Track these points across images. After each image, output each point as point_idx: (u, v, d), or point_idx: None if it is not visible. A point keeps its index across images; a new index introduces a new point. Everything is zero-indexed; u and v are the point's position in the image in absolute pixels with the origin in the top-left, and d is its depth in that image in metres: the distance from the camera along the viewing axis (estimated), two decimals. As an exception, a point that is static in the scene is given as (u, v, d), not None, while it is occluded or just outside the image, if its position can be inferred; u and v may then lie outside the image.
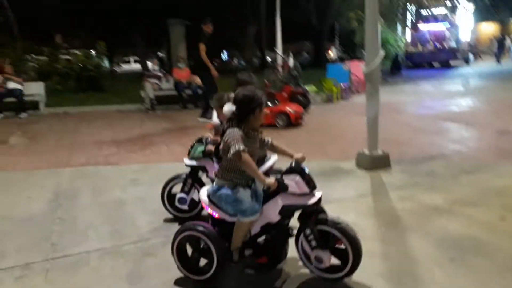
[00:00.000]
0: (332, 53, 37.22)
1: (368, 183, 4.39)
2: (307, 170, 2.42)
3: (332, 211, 3.45)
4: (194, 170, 3.48)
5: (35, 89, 11.18)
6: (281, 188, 2.32)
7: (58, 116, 10.37)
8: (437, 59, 23.10)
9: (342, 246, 2.36)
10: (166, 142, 6.64)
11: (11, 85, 10.57)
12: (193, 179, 3.48)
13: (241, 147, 2.25)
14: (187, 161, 3.47)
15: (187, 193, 3.44)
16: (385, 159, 4.82)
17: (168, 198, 3.54)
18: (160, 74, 11.40)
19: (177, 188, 3.54)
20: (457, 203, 3.67)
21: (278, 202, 2.35)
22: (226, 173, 2.40)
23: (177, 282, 2.57)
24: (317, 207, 2.42)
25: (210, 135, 3.53)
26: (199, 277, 2.51)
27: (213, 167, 3.16)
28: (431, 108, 9.10)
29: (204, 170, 3.44)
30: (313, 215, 2.40)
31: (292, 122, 7.51)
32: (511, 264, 2.63)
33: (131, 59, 36.13)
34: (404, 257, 2.80)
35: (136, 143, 6.66)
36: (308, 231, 2.38)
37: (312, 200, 2.36)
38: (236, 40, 24.84)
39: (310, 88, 11.05)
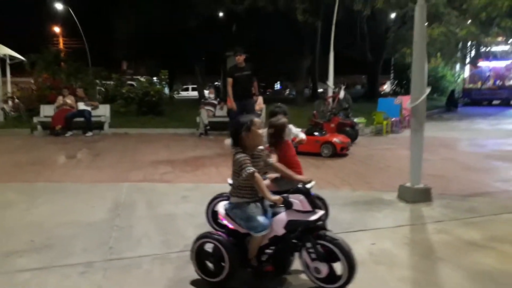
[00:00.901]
0: (386, 87, 36.95)
1: (408, 214, 4.47)
2: (311, 192, 2.76)
3: (368, 239, 3.68)
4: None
5: (101, 111, 12.21)
6: (286, 205, 2.67)
7: (120, 136, 11.22)
8: (497, 97, 22.33)
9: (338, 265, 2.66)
10: (216, 164, 7.05)
11: (82, 106, 11.64)
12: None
13: (251, 169, 2.66)
14: (229, 180, 3.79)
15: None
16: (426, 193, 4.87)
17: (212, 214, 3.85)
18: (215, 102, 12.04)
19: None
20: (495, 239, 3.68)
21: (283, 217, 2.70)
22: (238, 191, 2.79)
23: (195, 283, 2.91)
24: (319, 224, 2.75)
25: None
26: (213, 279, 2.84)
27: None
28: (483, 146, 8.90)
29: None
30: (314, 231, 2.71)
31: (337, 152, 7.68)
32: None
33: (190, 87, 37.95)
34: (434, 284, 2.90)
35: (189, 164, 7.13)
36: (309, 245, 2.68)
37: (314, 217, 2.70)
38: (290, 71, 25.45)
39: (359, 120, 11.18)
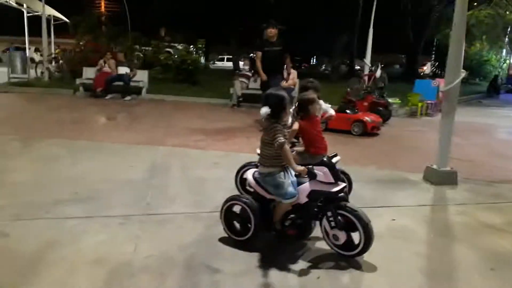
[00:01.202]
0: (426, 69, 35.81)
1: (431, 195, 4.57)
2: (332, 164, 2.91)
3: (389, 215, 3.84)
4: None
5: (140, 76, 12.58)
6: (310, 175, 2.85)
7: (156, 102, 11.59)
8: (544, 85, 21.34)
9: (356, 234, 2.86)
10: (246, 135, 7.27)
11: (121, 70, 12.04)
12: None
13: (282, 139, 2.82)
14: (258, 150, 3.99)
15: None
16: (452, 176, 4.93)
17: (241, 181, 4.08)
18: (249, 74, 12.15)
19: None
20: (515, 225, 3.77)
21: (307, 187, 2.88)
22: (268, 160, 2.95)
23: (222, 240, 3.17)
24: (340, 196, 2.92)
25: None
26: (240, 238, 3.10)
27: None
28: (518, 135, 8.72)
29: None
30: (336, 201, 2.89)
31: (368, 131, 7.73)
32: (550, 283, 2.77)
33: (225, 57, 38.04)
34: (447, 261, 3.05)
35: (221, 133, 7.39)
36: (329, 213, 2.87)
37: (336, 189, 2.87)
38: (327, 46, 25.08)
39: (394, 101, 11.07)
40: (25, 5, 20.93)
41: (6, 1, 19.10)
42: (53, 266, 2.70)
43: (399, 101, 11.37)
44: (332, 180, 2.85)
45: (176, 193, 4.22)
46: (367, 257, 2.95)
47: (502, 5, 12.76)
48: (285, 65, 8.21)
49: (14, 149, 5.70)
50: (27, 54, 18.08)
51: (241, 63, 18.44)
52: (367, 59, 12.84)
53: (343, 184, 2.94)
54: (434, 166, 5.01)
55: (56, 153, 5.53)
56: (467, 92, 18.55)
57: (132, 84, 12.14)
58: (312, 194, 2.88)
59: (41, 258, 2.79)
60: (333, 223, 2.87)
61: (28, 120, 8.00)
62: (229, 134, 7.37)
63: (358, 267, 2.85)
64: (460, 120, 10.68)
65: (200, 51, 16.22)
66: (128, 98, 11.75)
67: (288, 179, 2.93)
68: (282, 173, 2.93)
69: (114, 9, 35.26)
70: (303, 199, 2.91)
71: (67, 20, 18.30)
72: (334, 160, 3.82)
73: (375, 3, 12.99)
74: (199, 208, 3.83)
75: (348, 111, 8.10)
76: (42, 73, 14.61)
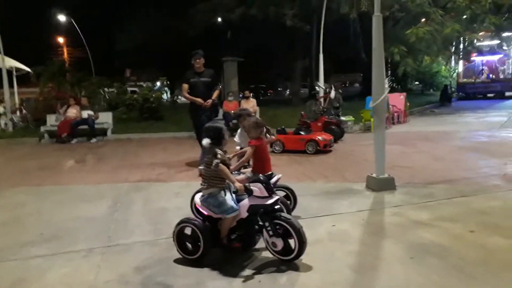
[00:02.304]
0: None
1: (370, 201, 5.04)
2: (266, 180, 3.34)
3: (330, 221, 4.28)
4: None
5: (104, 118, 12.89)
6: (248, 192, 3.26)
7: (122, 141, 11.89)
8: (491, 90, 22.75)
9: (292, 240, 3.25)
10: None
11: (85, 114, 12.33)
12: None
13: (217, 160, 3.24)
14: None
15: None
16: (390, 182, 5.44)
17: (194, 205, 4.43)
18: (210, 105, 12.63)
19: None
20: (440, 219, 4.25)
21: (246, 202, 3.29)
22: (210, 181, 3.38)
23: (176, 260, 3.50)
24: (276, 208, 3.33)
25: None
26: (192, 257, 3.44)
27: None
28: (462, 139, 9.45)
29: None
30: (271, 212, 3.29)
31: (321, 149, 8.27)
32: (459, 264, 3.20)
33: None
34: (374, 255, 3.48)
35: (183, 165, 7.75)
36: (267, 224, 3.27)
37: (270, 201, 3.27)
38: (287, 73, 26.12)
39: (347, 118, 11.75)
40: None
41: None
42: (20, 300, 2.97)
43: (353, 118, 12.06)
44: (267, 194, 3.27)
45: (136, 224, 4.53)
46: (305, 259, 3.36)
47: (439, 21, 13.84)
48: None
49: (-21, 200, 5.88)
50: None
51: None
52: (320, 82, 13.60)
53: (277, 197, 3.37)
54: (374, 175, 5.52)
55: (22, 200, 5.75)
56: (420, 103, 19.64)
57: (97, 126, 12.42)
58: (251, 209, 3.29)
59: (8, 295, 3.06)
60: (271, 232, 3.27)
61: (-7, 171, 8.15)
62: (191, 164, 7.73)
63: (296, 268, 3.24)
64: (410, 130, 11.59)
65: (164, 88, 16.66)
66: (94, 140, 12.01)
67: (228, 196, 3.34)
68: (222, 192, 3.34)
69: (78, 55, 35.54)
70: (244, 214, 3.31)
71: (29, 70, 18.49)
72: (276, 177, 4.29)
73: (322, 30, 13.87)
74: (157, 235, 4.15)
75: (302, 132, 8.64)
76: (5, 124, 14.69)
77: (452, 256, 3.36)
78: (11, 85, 16.23)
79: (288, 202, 4.33)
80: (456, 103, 21.45)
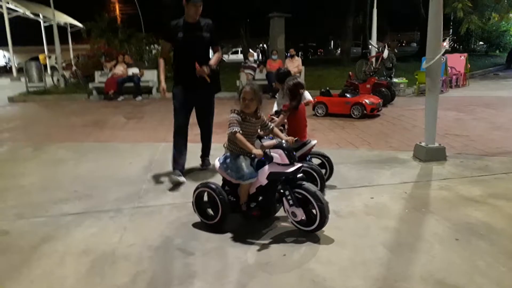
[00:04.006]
0: (446, 44, 34.87)
1: (416, 172, 4.64)
2: (288, 147, 3.10)
3: (369, 193, 3.98)
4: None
5: (149, 76, 12.93)
6: (267, 158, 3.04)
7: (167, 100, 11.81)
8: None
9: (314, 211, 3.04)
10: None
11: (131, 72, 12.42)
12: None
13: (235, 129, 3.11)
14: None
15: None
16: (440, 152, 4.98)
17: None
18: (255, 65, 12.31)
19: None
20: (494, 196, 3.81)
21: (266, 169, 3.07)
22: (230, 145, 3.24)
23: (200, 225, 3.39)
24: (297, 176, 3.10)
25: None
26: (211, 222, 3.33)
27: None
28: (527, 106, 8.56)
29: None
30: (293, 181, 3.07)
31: (368, 113, 7.78)
32: (511, 249, 2.84)
33: (239, 49, 38.23)
34: (413, 233, 3.16)
35: (221, 126, 7.58)
36: (287, 193, 3.07)
37: (291, 169, 3.04)
38: (338, 30, 24.90)
39: (400, 80, 11.01)
40: (41, 15, 21.69)
41: (23, 13, 19.86)
42: (44, 259, 2.97)
43: (406, 80, 11.28)
44: (288, 162, 3.04)
45: (168, 185, 4.47)
46: (336, 233, 3.13)
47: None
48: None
49: (25, 155, 6.08)
50: (47, 63, 18.80)
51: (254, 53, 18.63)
52: (373, 41, 12.77)
53: (299, 165, 3.11)
54: (422, 144, 5.07)
55: (62, 156, 5.87)
56: (484, 65, 18.10)
57: (142, 84, 12.50)
58: (270, 176, 3.08)
59: (35, 252, 3.08)
60: (291, 201, 3.08)
61: (41, 127, 8.44)
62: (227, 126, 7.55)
63: (324, 242, 3.01)
64: (469, 95, 10.68)
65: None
66: (139, 98, 12.14)
67: (246, 162, 3.16)
68: (241, 157, 3.16)
69: (129, 11, 35.92)
70: (264, 181, 3.11)
71: (82, 26, 18.86)
72: (311, 143, 4.01)
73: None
74: (187, 198, 4.01)
75: (347, 95, 8.16)
76: (58, 80, 15.19)
77: (503, 240, 2.98)
78: (66, 41, 16.64)
79: (324, 170, 4.06)
80: (524, 66, 19.59)
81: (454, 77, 12.40)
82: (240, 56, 36.08)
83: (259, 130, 3.44)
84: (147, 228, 3.44)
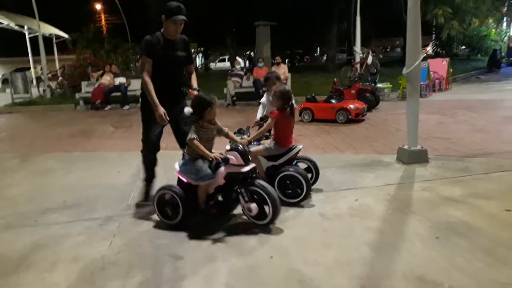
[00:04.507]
0: (429, 49, 35.51)
1: (399, 174, 4.76)
2: (241, 149, 3.42)
3: (353, 196, 4.08)
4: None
5: (137, 85, 12.93)
6: (224, 160, 3.27)
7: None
8: (545, 55, 21.04)
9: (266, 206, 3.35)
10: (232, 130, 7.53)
11: (117, 81, 12.44)
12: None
13: (192, 136, 3.34)
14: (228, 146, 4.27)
15: None
16: (423, 154, 5.12)
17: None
18: (241, 73, 12.43)
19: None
20: (473, 196, 3.94)
21: (223, 170, 3.37)
22: (189, 150, 3.48)
23: (183, 230, 3.48)
24: (252, 175, 3.44)
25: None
26: (171, 222, 3.57)
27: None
28: (507, 108, 8.81)
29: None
30: (247, 179, 3.38)
31: (353, 118, 7.92)
32: (488, 246, 2.94)
33: (226, 57, 38.46)
34: (395, 233, 3.26)
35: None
36: (242, 190, 3.37)
37: (246, 169, 3.36)
38: (323, 38, 25.22)
39: (384, 85, 11.21)
40: (26, 27, 21.56)
41: (8, 25, 19.73)
42: (34, 267, 3.00)
43: (390, 85, 11.49)
44: (242, 162, 3.35)
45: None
46: (322, 235, 3.22)
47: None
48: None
49: (12, 166, 6.06)
50: (33, 74, 18.69)
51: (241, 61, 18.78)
52: (357, 47, 12.97)
53: (253, 165, 3.47)
54: (405, 146, 5.20)
55: (50, 166, 5.88)
56: (466, 69, 18.49)
57: (129, 93, 12.51)
58: (227, 176, 3.38)
59: (24, 261, 3.10)
60: (246, 198, 3.36)
61: (28, 137, 8.40)
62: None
63: (309, 244, 3.09)
64: (452, 98, 10.92)
65: (196, 55, 16.47)
66: (126, 107, 12.14)
67: (205, 165, 3.37)
68: (199, 160, 3.38)
69: (115, 22, 35.92)
70: (221, 181, 3.40)
71: (68, 37, 18.81)
72: (297, 148, 4.10)
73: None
74: (174, 205, 4.11)
75: (333, 101, 8.30)
76: (44, 91, 15.12)
77: (481, 237, 3.09)
78: (52, 52, 16.57)
79: (310, 175, 4.16)
80: (505, 69, 20.00)
81: (437, 81, 12.66)
82: (227, 64, 36.29)
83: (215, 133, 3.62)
84: (137, 234, 3.49)
